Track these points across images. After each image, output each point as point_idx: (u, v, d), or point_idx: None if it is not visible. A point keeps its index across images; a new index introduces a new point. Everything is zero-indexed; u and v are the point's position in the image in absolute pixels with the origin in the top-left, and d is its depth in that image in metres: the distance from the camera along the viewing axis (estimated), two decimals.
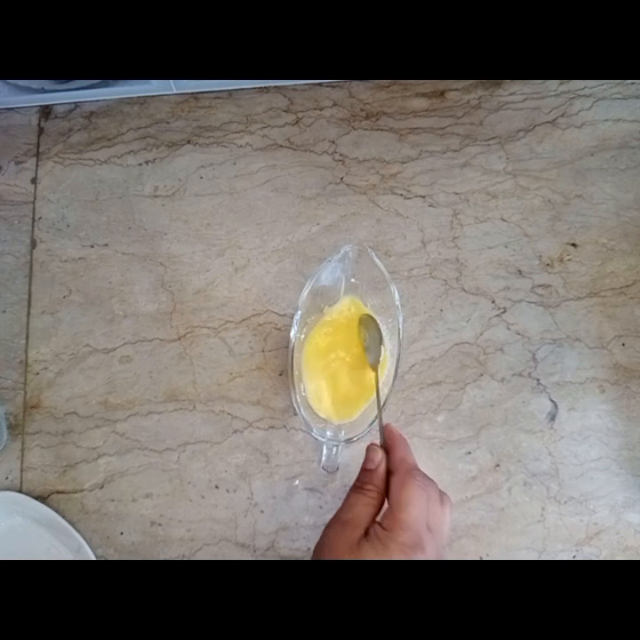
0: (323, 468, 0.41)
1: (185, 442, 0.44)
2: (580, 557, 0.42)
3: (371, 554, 0.27)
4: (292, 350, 0.38)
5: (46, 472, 0.44)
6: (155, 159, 0.50)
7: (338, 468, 0.41)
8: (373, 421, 0.37)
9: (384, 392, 0.38)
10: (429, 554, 0.27)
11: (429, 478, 0.31)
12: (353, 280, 0.42)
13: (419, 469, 0.31)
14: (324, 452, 0.40)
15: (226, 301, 0.46)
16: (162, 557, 0.42)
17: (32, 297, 0.47)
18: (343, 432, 0.40)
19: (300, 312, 0.38)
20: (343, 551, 0.28)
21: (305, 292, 0.38)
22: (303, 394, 0.40)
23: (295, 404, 0.38)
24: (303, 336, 0.41)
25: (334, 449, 0.40)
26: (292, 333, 0.38)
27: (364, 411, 0.40)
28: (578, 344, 0.45)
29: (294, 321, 0.38)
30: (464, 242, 0.47)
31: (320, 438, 0.38)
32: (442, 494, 0.31)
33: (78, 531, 0.42)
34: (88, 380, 0.45)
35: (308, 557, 0.42)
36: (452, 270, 0.47)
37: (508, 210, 0.48)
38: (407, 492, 0.29)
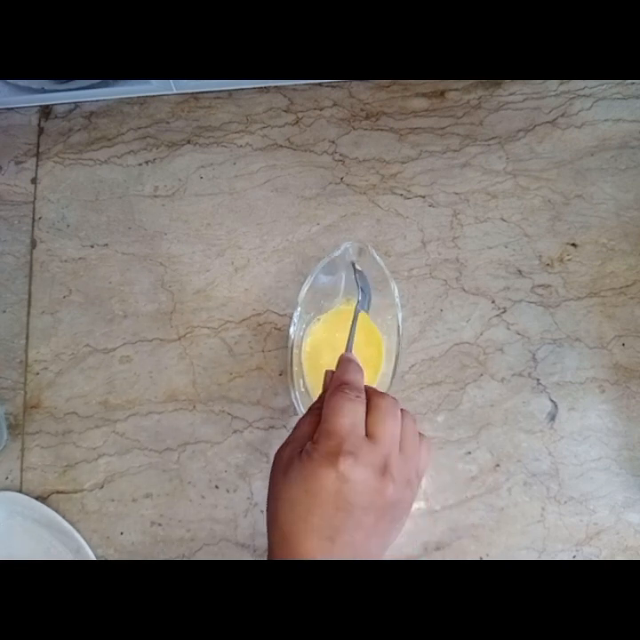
0: None
1: (185, 442, 0.44)
2: (580, 557, 0.42)
3: (297, 469, 0.27)
4: (292, 347, 0.38)
5: (46, 472, 0.44)
6: (155, 159, 0.50)
7: None
8: None
9: (385, 381, 0.38)
10: (366, 460, 0.26)
11: (377, 393, 0.30)
12: (353, 277, 0.42)
13: (351, 385, 0.29)
14: None
15: (226, 301, 0.46)
16: (162, 557, 0.42)
17: (32, 297, 0.47)
18: None
19: (299, 309, 0.38)
20: (277, 472, 0.28)
21: (304, 289, 0.38)
22: (303, 390, 0.40)
23: (294, 400, 0.38)
24: (303, 333, 0.41)
25: None
26: (292, 330, 0.38)
27: None
28: (578, 344, 0.45)
29: (294, 317, 0.38)
30: (464, 242, 0.47)
31: None
32: (399, 407, 0.30)
33: (78, 531, 0.42)
34: (88, 380, 0.45)
35: None
36: (452, 270, 0.47)
37: (508, 210, 0.48)
38: (331, 403, 0.28)
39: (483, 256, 0.47)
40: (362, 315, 0.42)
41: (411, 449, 0.29)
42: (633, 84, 0.50)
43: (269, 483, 0.29)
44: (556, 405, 0.44)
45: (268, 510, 0.28)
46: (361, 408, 0.28)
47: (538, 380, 0.45)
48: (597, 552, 0.42)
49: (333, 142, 0.49)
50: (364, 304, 0.39)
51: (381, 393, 0.30)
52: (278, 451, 0.30)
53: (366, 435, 0.27)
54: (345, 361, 0.32)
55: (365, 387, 0.30)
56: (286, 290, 0.47)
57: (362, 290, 0.39)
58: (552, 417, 0.44)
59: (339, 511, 0.26)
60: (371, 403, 0.29)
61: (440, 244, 0.47)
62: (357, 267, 0.40)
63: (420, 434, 0.31)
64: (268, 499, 0.28)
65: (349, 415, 0.27)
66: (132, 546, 0.43)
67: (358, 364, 0.32)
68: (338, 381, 0.30)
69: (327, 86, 0.51)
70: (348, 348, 0.35)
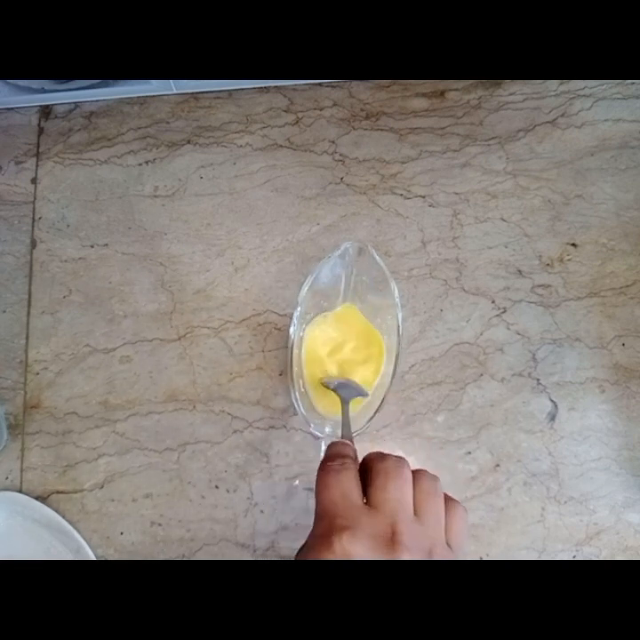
0: None
1: (185, 442, 0.44)
2: (580, 557, 0.42)
3: (304, 556, 0.25)
4: (292, 347, 0.38)
5: (46, 472, 0.44)
6: (155, 159, 0.50)
7: None
8: (372, 417, 0.37)
9: (385, 381, 0.38)
10: (366, 531, 0.23)
11: (378, 457, 0.27)
12: (353, 277, 0.42)
13: (334, 456, 0.27)
14: (323, 448, 0.40)
15: (226, 301, 0.46)
16: (162, 557, 0.42)
17: (32, 297, 0.47)
18: None
19: (299, 309, 0.38)
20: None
21: (304, 289, 0.38)
22: (302, 390, 0.40)
23: (294, 401, 0.38)
24: (303, 333, 0.41)
25: None
26: (292, 330, 0.38)
27: (363, 406, 0.40)
28: (578, 344, 0.45)
29: (294, 317, 0.38)
30: (464, 242, 0.47)
31: (319, 434, 0.38)
32: (406, 467, 0.26)
33: (78, 531, 0.42)
34: (88, 380, 0.45)
35: None
36: (452, 270, 0.47)
37: (508, 210, 0.48)
38: (316, 483, 0.26)
39: (483, 256, 0.47)
40: (363, 315, 0.42)
41: (429, 513, 0.25)
42: (633, 83, 0.50)
43: None
44: (555, 405, 0.44)
45: None
46: (348, 475, 0.25)
47: (538, 379, 0.45)
48: (597, 552, 0.42)
49: (333, 142, 0.49)
50: (348, 396, 0.38)
51: (383, 455, 0.26)
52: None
53: (368, 505, 0.24)
54: (330, 444, 0.29)
55: (368, 454, 0.27)
56: (286, 290, 0.46)
57: (339, 389, 0.39)
58: (552, 417, 0.44)
59: None
60: (371, 469, 0.26)
61: (440, 244, 0.47)
62: (326, 379, 0.40)
63: (448, 497, 0.27)
64: None
65: (336, 487, 0.25)
66: (131, 546, 0.43)
67: (344, 442, 0.29)
68: (322, 461, 0.27)
69: (327, 86, 0.51)
70: (343, 435, 0.34)
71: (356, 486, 0.25)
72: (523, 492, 0.43)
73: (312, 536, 0.24)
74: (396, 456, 0.26)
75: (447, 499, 0.27)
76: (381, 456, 0.26)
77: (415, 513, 0.25)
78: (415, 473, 0.26)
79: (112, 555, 0.43)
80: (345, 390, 0.39)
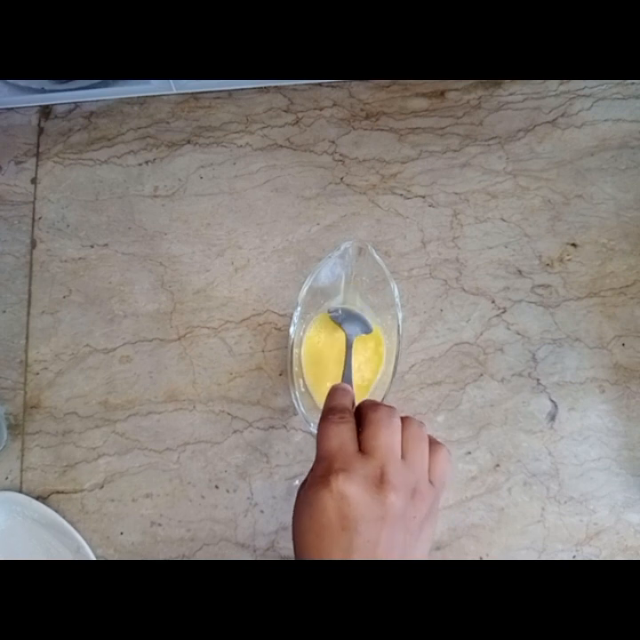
0: None
1: (185, 442, 0.44)
2: (580, 557, 0.42)
3: (300, 498, 0.28)
4: (292, 346, 0.38)
5: (46, 472, 0.44)
6: (155, 159, 0.50)
7: None
8: None
9: (385, 381, 0.38)
10: (360, 473, 0.26)
11: (371, 406, 0.29)
12: (353, 277, 0.42)
13: (335, 409, 0.30)
14: None
15: (226, 301, 0.46)
16: (162, 557, 0.42)
17: (32, 297, 0.47)
18: None
19: (299, 308, 0.38)
20: (294, 508, 0.29)
21: (304, 289, 0.38)
22: (303, 390, 0.40)
23: (294, 400, 0.38)
24: (303, 333, 0.41)
25: None
26: (292, 330, 0.38)
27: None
28: (578, 344, 0.45)
29: (294, 317, 0.38)
30: (464, 242, 0.47)
31: None
32: (396, 416, 0.29)
33: (78, 531, 0.42)
34: (88, 380, 0.45)
35: None
36: (452, 270, 0.47)
37: (508, 210, 0.48)
38: (318, 432, 0.29)
39: (483, 256, 0.47)
40: (363, 315, 0.42)
41: (415, 456, 0.28)
42: (633, 84, 0.50)
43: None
44: (555, 405, 0.44)
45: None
46: (346, 427, 0.28)
47: (538, 380, 0.45)
48: (597, 552, 0.42)
49: (333, 142, 0.49)
50: (352, 333, 0.39)
51: (375, 405, 0.29)
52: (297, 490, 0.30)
53: (362, 451, 0.27)
54: (331, 390, 0.32)
55: (363, 402, 0.30)
56: (286, 290, 0.47)
57: (344, 323, 0.39)
58: (552, 417, 0.44)
59: (344, 531, 0.25)
60: (365, 419, 0.29)
61: (440, 244, 0.47)
62: (333, 308, 0.41)
63: (433, 441, 0.30)
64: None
65: (335, 437, 0.28)
66: (131, 546, 0.43)
67: (345, 389, 0.32)
68: (324, 411, 0.30)
69: (327, 86, 0.51)
70: (344, 378, 0.35)
71: (353, 437, 0.28)
72: (523, 491, 0.43)
73: (312, 475, 0.27)
74: (387, 406, 0.29)
75: (432, 442, 0.30)
76: (374, 406, 0.29)
77: (402, 456, 0.28)
78: (404, 420, 0.29)
79: (112, 555, 0.43)
80: (351, 326, 0.39)
